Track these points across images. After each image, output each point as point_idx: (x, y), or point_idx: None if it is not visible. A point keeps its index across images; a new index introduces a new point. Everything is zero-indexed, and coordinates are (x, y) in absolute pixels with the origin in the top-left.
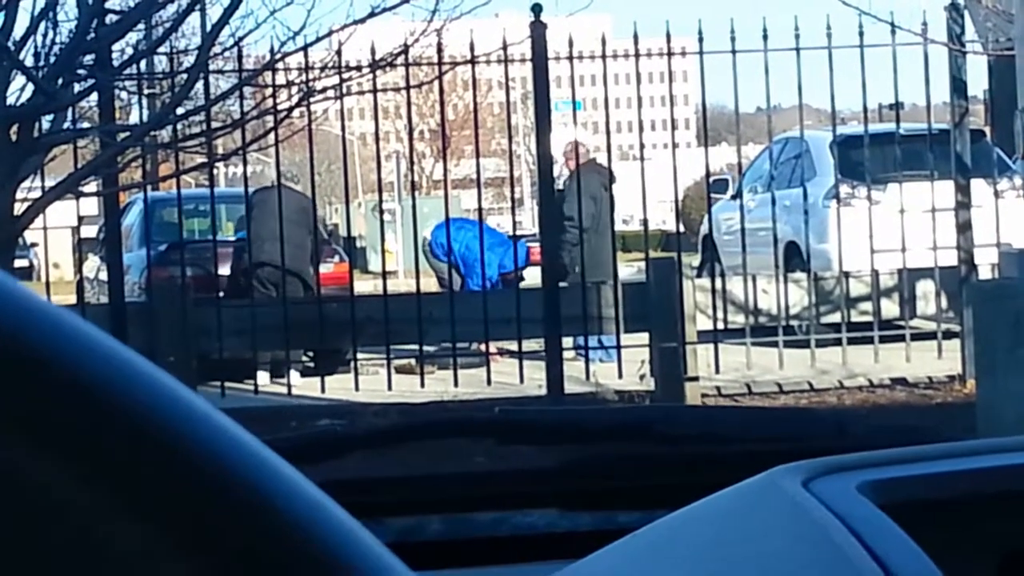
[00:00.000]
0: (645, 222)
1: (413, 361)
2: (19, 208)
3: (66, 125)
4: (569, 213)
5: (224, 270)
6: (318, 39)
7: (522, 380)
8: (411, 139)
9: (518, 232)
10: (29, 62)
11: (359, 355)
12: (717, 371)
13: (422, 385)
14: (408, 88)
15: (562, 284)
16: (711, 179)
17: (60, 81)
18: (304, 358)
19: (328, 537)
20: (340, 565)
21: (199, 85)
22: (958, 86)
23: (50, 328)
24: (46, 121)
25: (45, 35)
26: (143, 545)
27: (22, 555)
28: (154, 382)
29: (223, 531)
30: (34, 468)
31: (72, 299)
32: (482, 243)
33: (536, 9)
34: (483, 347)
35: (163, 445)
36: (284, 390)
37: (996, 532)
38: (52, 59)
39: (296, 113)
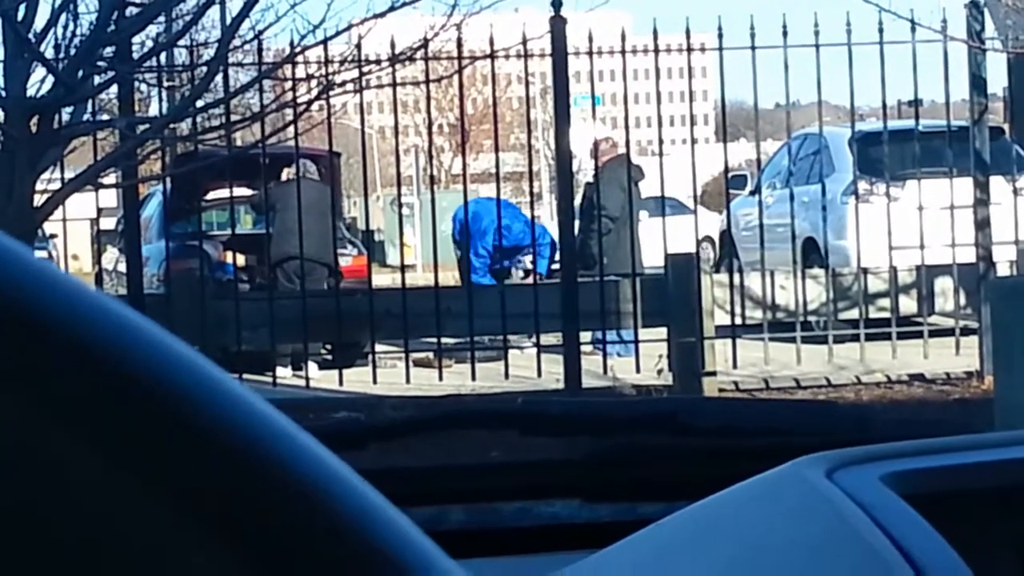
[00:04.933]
0: (663, 217)
1: (431, 354)
2: (39, 200)
3: (86, 117)
4: (604, 203)
5: (241, 261)
6: (338, 33)
7: (540, 374)
8: (430, 133)
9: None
10: (49, 54)
11: (377, 348)
12: (735, 366)
13: (440, 378)
14: (427, 82)
15: (583, 276)
16: (729, 175)
17: (80, 73)
18: (322, 351)
19: (377, 528)
20: (389, 556)
21: (219, 78)
22: (977, 83)
23: (96, 314)
24: (66, 113)
25: (65, 27)
26: (182, 536)
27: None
28: (203, 370)
29: (272, 522)
30: (61, 446)
31: None
32: (500, 224)
33: (556, 4)
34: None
35: (206, 431)
36: (302, 383)
37: (1021, 523)
38: (72, 51)
39: (315, 107)
